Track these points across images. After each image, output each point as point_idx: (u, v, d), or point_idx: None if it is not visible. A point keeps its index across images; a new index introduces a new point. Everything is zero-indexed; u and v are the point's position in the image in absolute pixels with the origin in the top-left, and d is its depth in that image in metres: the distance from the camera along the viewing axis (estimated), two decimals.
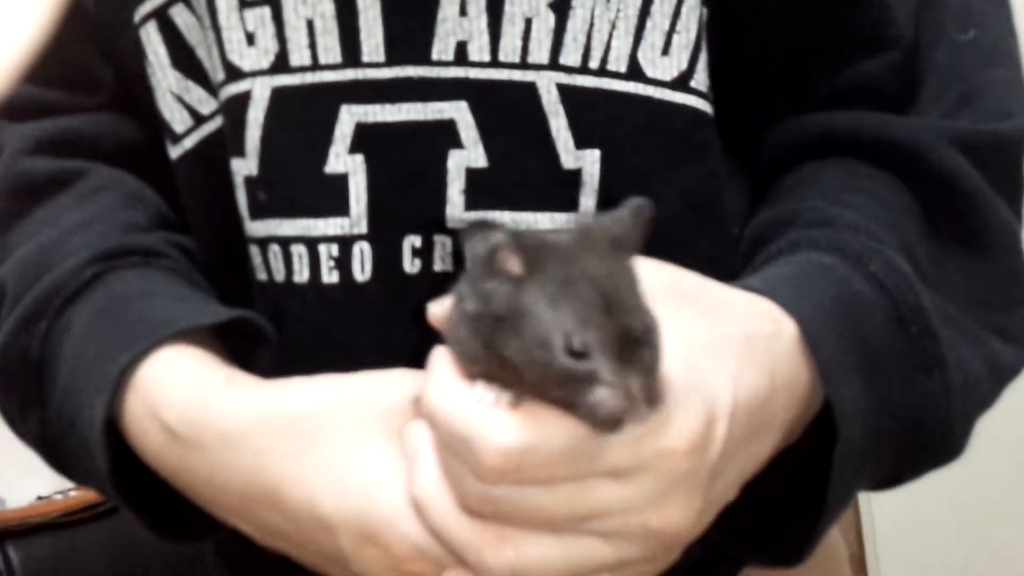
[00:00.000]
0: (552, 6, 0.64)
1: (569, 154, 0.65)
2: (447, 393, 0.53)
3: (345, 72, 0.65)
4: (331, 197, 0.66)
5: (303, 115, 0.66)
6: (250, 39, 0.66)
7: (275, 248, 0.67)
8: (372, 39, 0.65)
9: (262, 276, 0.68)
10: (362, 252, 0.66)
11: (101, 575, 1.97)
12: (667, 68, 0.66)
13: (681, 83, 0.66)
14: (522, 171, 0.66)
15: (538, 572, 0.52)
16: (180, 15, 0.69)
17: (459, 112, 0.65)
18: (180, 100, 0.71)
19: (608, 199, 0.66)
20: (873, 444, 0.60)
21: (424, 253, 0.66)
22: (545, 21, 0.64)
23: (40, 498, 2.17)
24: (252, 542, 0.63)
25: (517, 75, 0.65)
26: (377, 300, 0.66)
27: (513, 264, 0.50)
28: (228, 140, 0.68)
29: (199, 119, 0.70)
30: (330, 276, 0.66)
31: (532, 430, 0.50)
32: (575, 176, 0.66)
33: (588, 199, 0.66)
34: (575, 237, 0.51)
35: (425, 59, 0.65)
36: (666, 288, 0.54)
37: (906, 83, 0.70)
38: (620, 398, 0.48)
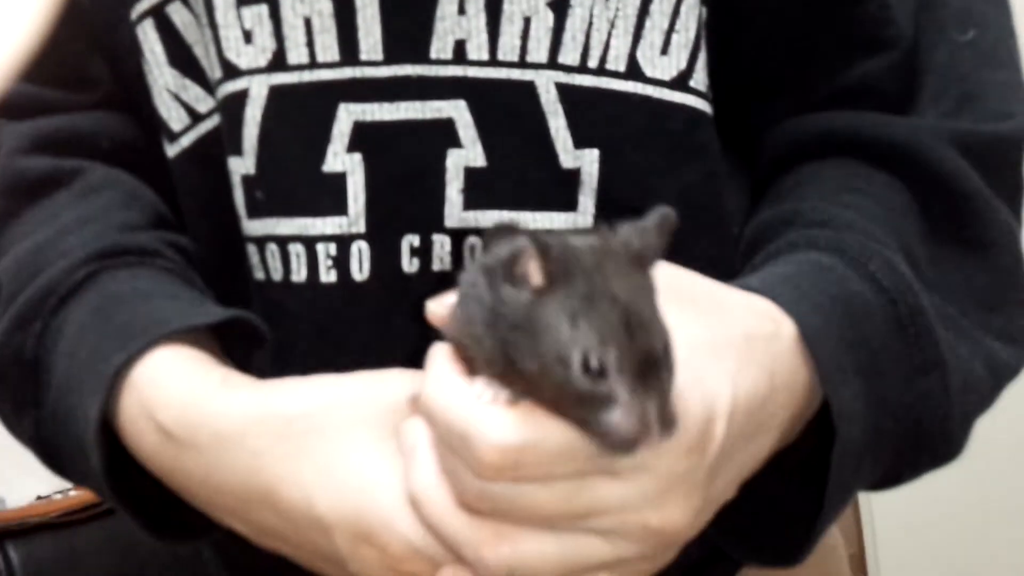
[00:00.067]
0: (551, 5, 0.64)
1: (568, 153, 0.65)
2: (446, 389, 0.53)
3: (343, 70, 0.65)
4: (329, 196, 0.65)
5: (301, 114, 0.65)
6: (247, 37, 0.66)
7: (273, 247, 0.67)
8: (370, 37, 0.65)
9: (260, 275, 0.68)
10: (360, 251, 0.66)
11: (101, 575, 1.97)
12: (666, 67, 0.66)
13: (680, 83, 0.66)
14: (521, 170, 0.65)
15: (535, 569, 0.52)
16: (177, 13, 0.69)
17: (458, 111, 0.65)
18: (177, 98, 0.71)
19: (607, 199, 0.66)
20: (872, 444, 0.60)
21: (422, 252, 0.66)
22: (544, 20, 0.64)
23: (40, 498, 2.17)
24: (250, 542, 0.63)
25: (516, 74, 0.65)
26: (375, 299, 0.66)
27: (535, 274, 0.50)
28: (225, 139, 0.68)
29: (196, 117, 0.70)
30: (328, 275, 0.66)
31: (530, 427, 0.50)
32: (574, 176, 0.66)
33: (587, 199, 0.66)
34: (598, 248, 0.50)
35: (423, 58, 0.64)
36: (666, 287, 0.53)
37: (906, 83, 0.70)
38: (636, 422, 0.48)
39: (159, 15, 0.70)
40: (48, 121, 0.75)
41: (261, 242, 0.67)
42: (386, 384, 0.59)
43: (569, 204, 0.66)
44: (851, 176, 0.68)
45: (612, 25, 0.65)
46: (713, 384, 0.53)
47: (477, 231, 0.66)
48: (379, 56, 0.65)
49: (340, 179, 0.65)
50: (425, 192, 0.65)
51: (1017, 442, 2.36)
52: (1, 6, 0.50)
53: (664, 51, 0.66)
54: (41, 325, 0.67)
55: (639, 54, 0.65)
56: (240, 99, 0.66)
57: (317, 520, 0.57)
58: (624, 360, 0.48)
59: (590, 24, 0.65)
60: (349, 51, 0.65)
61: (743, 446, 0.55)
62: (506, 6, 0.64)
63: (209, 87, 0.69)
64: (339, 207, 0.65)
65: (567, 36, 0.64)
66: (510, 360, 0.50)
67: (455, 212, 0.65)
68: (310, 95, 0.65)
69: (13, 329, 0.68)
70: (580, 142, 0.65)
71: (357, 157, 0.65)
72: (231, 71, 0.67)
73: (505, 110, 0.65)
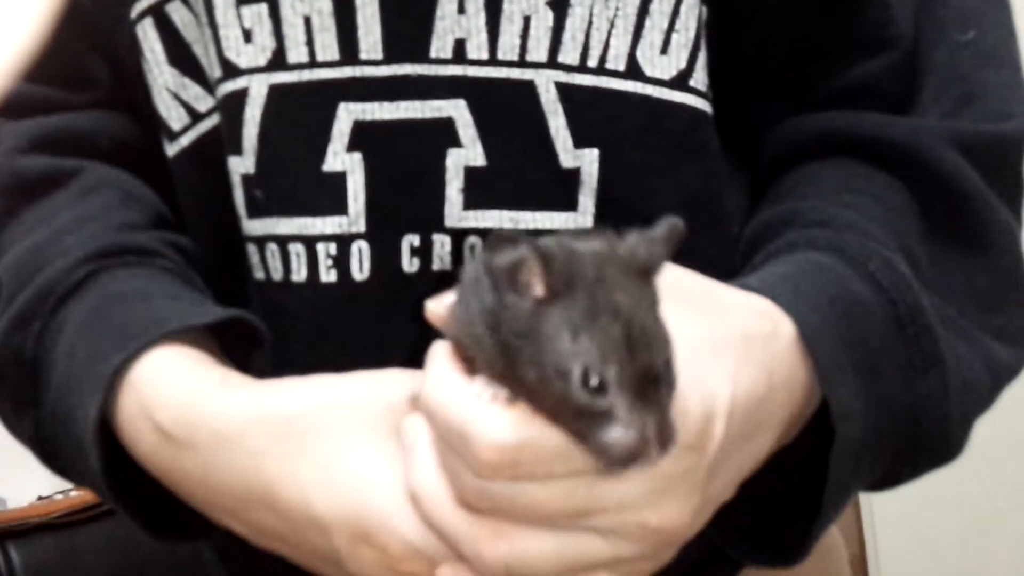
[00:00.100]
0: (551, 4, 0.64)
1: (568, 153, 0.65)
2: (445, 388, 0.53)
3: (343, 70, 0.65)
4: (329, 196, 0.65)
5: (301, 113, 0.65)
6: (247, 36, 0.66)
7: (273, 247, 0.67)
8: (370, 36, 0.65)
9: (259, 275, 0.68)
10: (360, 251, 0.66)
11: (101, 575, 1.97)
12: (666, 67, 0.66)
13: (680, 82, 0.66)
14: (521, 170, 0.65)
15: (533, 566, 0.52)
16: (177, 12, 0.69)
17: (457, 110, 0.65)
18: (177, 97, 0.71)
19: (607, 198, 0.66)
20: (870, 444, 0.60)
21: (423, 252, 0.66)
22: (544, 19, 0.64)
23: (41, 498, 2.17)
24: (250, 543, 0.63)
25: (515, 73, 0.65)
26: (375, 299, 0.66)
27: (537, 285, 0.49)
28: (225, 138, 0.68)
29: (196, 116, 0.70)
30: (328, 275, 0.66)
31: (528, 426, 0.50)
32: (574, 175, 0.65)
33: (587, 198, 0.66)
34: (603, 256, 0.50)
35: (423, 57, 0.64)
36: (666, 287, 0.53)
37: (906, 84, 0.70)
38: (634, 438, 0.48)
39: (159, 14, 0.70)
40: (47, 120, 0.75)
41: (261, 242, 0.67)
42: (384, 384, 0.59)
43: (569, 204, 0.66)
44: (851, 176, 0.67)
45: (612, 24, 0.65)
46: (712, 383, 0.53)
47: (477, 231, 0.65)
48: (379, 55, 0.65)
49: (340, 178, 0.65)
50: (425, 192, 0.65)
51: (1017, 443, 2.36)
52: (2, 6, 0.49)
53: (664, 51, 0.66)
54: (40, 325, 0.67)
55: (639, 53, 0.65)
56: (240, 98, 0.66)
57: (315, 520, 0.57)
58: (624, 376, 0.48)
59: (590, 23, 0.65)
60: (349, 50, 0.65)
61: (742, 445, 0.55)
62: (506, 5, 0.64)
63: (209, 86, 0.69)
64: (339, 207, 0.65)
65: (567, 35, 0.64)
66: (510, 363, 0.50)
67: (455, 212, 0.65)
68: (310, 94, 0.65)
69: (12, 329, 0.68)
70: (580, 142, 0.65)
71: (357, 156, 0.65)
72: (231, 70, 0.66)
73: (505, 109, 0.65)
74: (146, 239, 0.71)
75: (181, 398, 0.61)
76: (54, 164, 0.74)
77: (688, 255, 0.58)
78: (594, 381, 0.48)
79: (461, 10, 0.64)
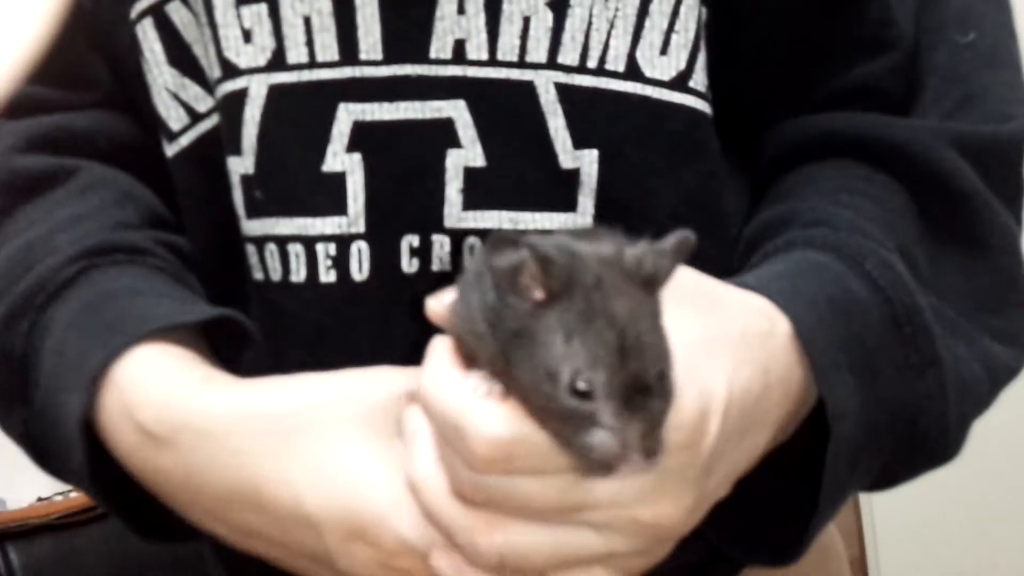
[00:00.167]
0: (550, 5, 0.64)
1: (567, 154, 0.65)
2: (442, 381, 0.53)
3: (343, 70, 0.65)
4: (328, 196, 0.65)
5: (300, 113, 0.65)
6: (247, 36, 0.66)
7: (272, 247, 0.67)
8: (370, 37, 0.64)
9: (258, 275, 0.68)
10: (360, 251, 0.66)
11: (101, 575, 1.98)
12: (665, 68, 0.66)
13: (680, 83, 0.66)
14: (520, 171, 0.65)
15: (526, 558, 0.52)
16: (176, 12, 0.69)
17: (457, 111, 0.65)
18: (176, 97, 0.71)
19: (606, 199, 0.66)
20: (867, 443, 0.60)
21: (422, 252, 0.66)
22: (543, 20, 0.64)
23: (40, 499, 2.17)
24: (235, 546, 0.63)
25: (515, 74, 0.64)
26: (375, 299, 0.66)
27: (535, 289, 0.50)
28: (224, 138, 0.68)
29: (195, 117, 0.70)
30: (327, 275, 0.66)
31: (522, 421, 0.50)
32: (573, 176, 0.65)
33: (586, 199, 0.66)
34: (607, 262, 0.50)
35: (423, 57, 0.64)
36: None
37: (906, 85, 0.70)
38: (615, 445, 0.48)
39: (158, 14, 0.70)
40: (45, 120, 0.75)
41: (260, 242, 0.67)
42: (373, 381, 0.59)
43: (568, 204, 0.66)
44: (850, 177, 0.67)
45: (611, 25, 0.65)
46: (708, 381, 0.53)
47: (476, 231, 0.65)
48: (378, 56, 0.65)
49: (339, 179, 0.65)
50: (425, 192, 0.65)
51: (1017, 443, 2.36)
52: (8, 9, 0.50)
53: (663, 51, 0.66)
54: (29, 322, 0.67)
55: (638, 54, 0.65)
56: (239, 98, 0.66)
57: (306, 518, 0.57)
58: (612, 384, 0.48)
59: (589, 24, 0.65)
60: (348, 51, 0.65)
61: (737, 443, 0.55)
62: (505, 6, 0.64)
63: (208, 86, 0.69)
64: (338, 207, 0.65)
65: (566, 36, 0.64)
66: (507, 361, 0.50)
67: (454, 212, 0.65)
68: (309, 95, 0.65)
69: (2, 327, 0.67)
70: (579, 142, 0.65)
71: (356, 157, 0.65)
72: (230, 70, 0.66)
73: (504, 110, 0.65)
74: (139, 238, 0.71)
75: (163, 396, 0.61)
76: (51, 163, 0.74)
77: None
78: (581, 385, 0.48)
79: (461, 11, 0.64)
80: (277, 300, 0.68)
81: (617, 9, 0.65)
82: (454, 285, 0.56)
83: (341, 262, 0.66)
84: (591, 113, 0.65)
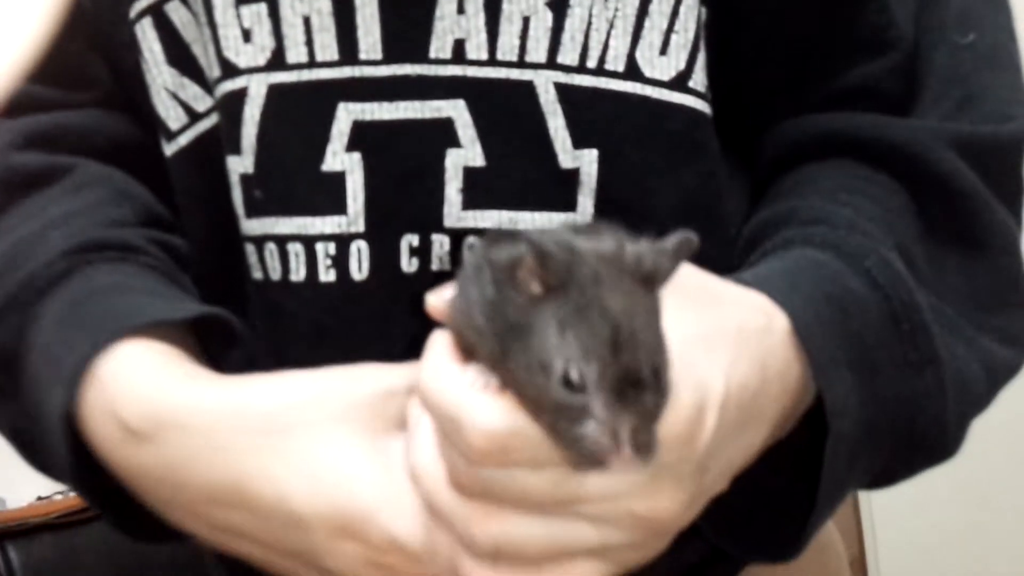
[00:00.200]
0: (550, 5, 0.64)
1: (567, 154, 0.65)
2: (440, 375, 0.53)
3: (342, 70, 0.65)
4: (328, 195, 0.65)
5: (300, 113, 0.65)
6: (246, 36, 0.66)
7: (271, 246, 0.67)
8: (369, 36, 0.65)
9: (258, 275, 0.68)
10: (359, 251, 0.66)
11: (101, 575, 1.98)
12: (665, 68, 0.66)
13: (679, 83, 0.66)
14: (520, 170, 0.65)
15: (521, 548, 0.52)
16: (176, 11, 0.69)
17: (457, 111, 0.65)
18: (175, 97, 0.71)
19: (606, 199, 0.66)
20: (865, 439, 0.60)
21: (422, 252, 0.66)
22: (543, 20, 0.64)
23: (40, 499, 2.17)
24: (215, 545, 0.62)
25: (515, 74, 0.65)
26: (374, 299, 0.66)
27: (533, 283, 0.50)
28: (224, 137, 0.67)
29: (194, 116, 0.70)
30: (327, 275, 0.66)
31: (518, 414, 0.50)
32: (573, 176, 0.65)
33: (586, 199, 0.66)
34: (606, 258, 0.50)
35: (423, 57, 0.64)
36: None
37: (906, 86, 0.70)
38: (605, 437, 0.48)
39: (158, 13, 0.70)
40: (43, 118, 0.75)
41: (259, 241, 0.67)
42: (358, 379, 0.59)
43: (568, 204, 0.66)
44: (850, 176, 0.68)
45: (611, 25, 0.65)
46: (705, 375, 0.53)
47: (476, 231, 0.66)
48: (378, 55, 0.65)
49: (339, 178, 0.65)
50: (424, 192, 0.65)
51: (1017, 443, 2.36)
52: (7, 9, 0.50)
53: (663, 51, 0.66)
54: (19, 318, 0.67)
55: (638, 54, 0.65)
56: (239, 98, 0.66)
57: (290, 515, 0.57)
58: (604, 376, 0.48)
59: (589, 24, 0.65)
60: (348, 50, 0.65)
61: (734, 438, 0.55)
62: (505, 6, 0.64)
63: (207, 86, 0.69)
64: (338, 206, 0.65)
65: (566, 36, 0.64)
66: (504, 354, 0.51)
67: (454, 212, 0.65)
68: (309, 94, 0.65)
69: None
70: (579, 142, 0.65)
71: (356, 156, 0.65)
72: (230, 70, 0.66)
73: (504, 110, 0.65)
74: (132, 236, 0.70)
75: (145, 392, 0.61)
76: (47, 161, 0.74)
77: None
78: (574, 376, 0.48)
79: (460, 10, 0.64)
80: (276, 299, 0.68)
81: (617, 9, 0.65)
82: (454, 281, 0.56)
83: (341, 261, 0.66)
84: (591, 113, 0.65)
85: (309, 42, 0.65)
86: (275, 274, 0.67)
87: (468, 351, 0.53)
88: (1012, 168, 0.70)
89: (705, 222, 0.68)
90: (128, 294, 0.66)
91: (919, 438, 0.63)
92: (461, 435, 0.51)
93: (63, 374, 0.62)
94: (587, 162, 0.65)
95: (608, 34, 0.65)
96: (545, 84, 0.65)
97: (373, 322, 0.66)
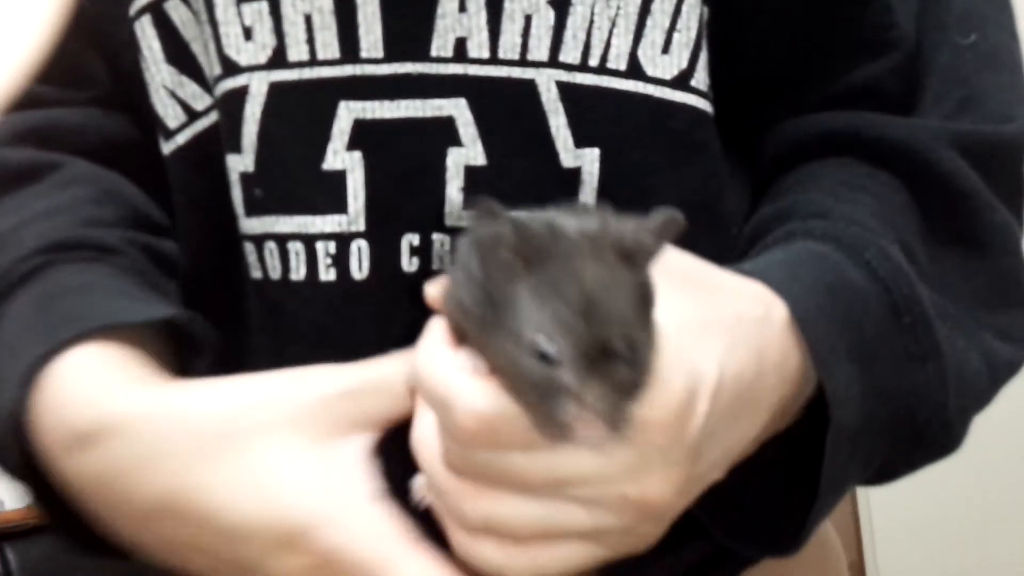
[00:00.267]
0: (552, 3, 0.64)
1: (568, 152, 0.65)
2: (433, 358, 0.54)
3: (343, 68, 0.65)
4: (329, 194, 0.65)
5: (301, 111, 0.65)
6: (247, 34, 0.66)
7: (271, 245, 0.67)
8: (371, 35, 0.64)
9: (257, 274, 0.68)
10: (360, 250, 0.66)
11: None
12: (667, 67, 0.66)
13: (681, 82, 0.66)
14: (521, 169, 0.65)
15: (511, 526, 0.52)
16: (175, 9, 0.69)
17: (458, 109, 0.65)
18: (174, 95, 0.70)
19: (608, 198, 0.66)
20: (866, 431, 0.60)
21: (422, 251, 0.66)
22: (545, 18, 0.64)
23: None
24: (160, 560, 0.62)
25: (516, 72, 0.64)
26: (375, 298, 0.66)
27: (513, 262, 0.50)
28: (224, 136, 0.67)
29: (193, 115, 0.70)
30: (327, 274, 0.66)
31: (507, 397, 0.51)
32: (574, 175, 0.65)
33: (588, 198, 0.66)
34: (589, 235, 0.50)
35: (424, 55, 0.64)
36: (660, 267, 0.53)
37: (907, 86, 0.70)
38: (575, 408, 0.48)
39: (157, 12, 0.70)
40: (35, 114, 0.75)
41: (259, 240, 0.67)
42: (306, 382, 0.59)
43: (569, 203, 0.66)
44: (851, 174, 0.68)
45: (613, 24, 0.65)
46: (699, 362, 0.53)
47: None
48: (379, 54, 0.65)
49: (340, 177, 0.65)
50: (425, 190, 0.65)
51: (1017, 443, 2.36)
52: (10, 12, 0.49)
53: (665, 50, 0.66)
54: None
55: (640, 53, 0.65)
56: (240, 96, 0.66)
57: (233, 526, 0.56)
58: (577, 348, 0.48)
59: (591, 22, 0.65)
60: (349, 48, 0.65)
61: (730, 426, 0.55)
62: (507, 4, 0.64)
63: (206, 84, 0.69)
64: (339, 205, 0.65)
65: (568, 34, 0.64)
66: (488, 334, 0.51)
67: (455, 211, 0.65)
68: (310, 92, 0.65)
69: None
70: (581, 141, 0.65)
71: (357, 155, 0.65)
72: (231, 68, 0.66)
73: (506, 108, 0.65)
74: (110, 236, 0.70)
75: (93, 396, 0.60)
76: (34, 157, 0.73)
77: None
78: (544, 346, 0.48)
79: (462, 8, 0.64)
80: (276, 299, 0.67)
81: (619, 7, 0.65)
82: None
83: (341, 260, 0.66)
84: (592, 112, 0.65)
85: (310, 40, 0.65)
86: (275, 273, 0.67)
87: (461, 335, 0.54)
88: (1013, 168, 0.70)
89: (706, 221, 0.68)
90: (93, 295, 0.65)
91: (920, 431, 0.63)
92: (451, 417, 0.52)
93: (15, 374, 0.61)
94: (589, 161, 0.65)
95: (610, 33, 0.65)
96: (547, 83, 0.65)
97: (373, 321, 0.66)
